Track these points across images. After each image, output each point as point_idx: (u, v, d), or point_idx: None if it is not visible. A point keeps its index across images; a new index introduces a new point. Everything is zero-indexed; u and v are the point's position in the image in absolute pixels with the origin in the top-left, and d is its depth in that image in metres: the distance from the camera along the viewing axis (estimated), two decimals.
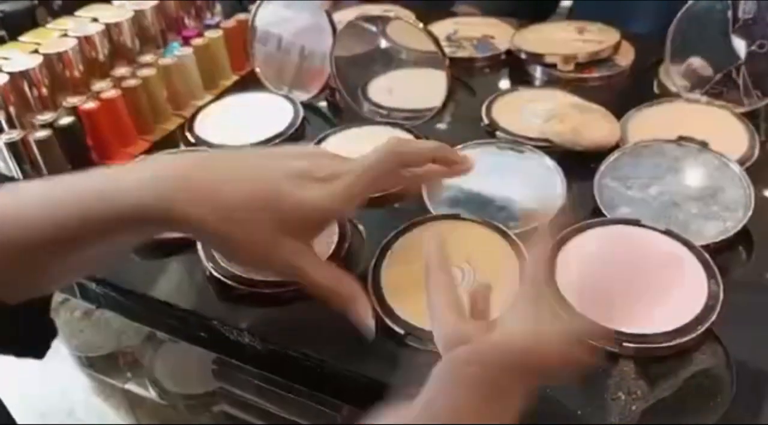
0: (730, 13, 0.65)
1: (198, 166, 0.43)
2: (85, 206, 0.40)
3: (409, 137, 0.67)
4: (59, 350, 0.78)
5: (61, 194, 0.41)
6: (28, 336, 0.46)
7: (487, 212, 0.56)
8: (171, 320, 0.53)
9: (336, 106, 0.76)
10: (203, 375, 0.66)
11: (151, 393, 0.71)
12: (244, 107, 0.76)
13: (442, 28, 0.87)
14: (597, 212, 0.56)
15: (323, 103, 0.77)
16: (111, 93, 0.69)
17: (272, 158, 0.45)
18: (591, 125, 0.63)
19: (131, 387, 0.72)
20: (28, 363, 0.80)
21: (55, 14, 0.88)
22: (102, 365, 0.75)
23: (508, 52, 0.80)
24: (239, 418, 0.65)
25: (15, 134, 0.65)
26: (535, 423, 0.42)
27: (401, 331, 0.47)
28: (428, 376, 0.36)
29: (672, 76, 0.69)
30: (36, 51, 0.72)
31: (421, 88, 0.70)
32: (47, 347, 0.48)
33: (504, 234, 0.53)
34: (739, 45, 0.66)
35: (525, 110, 0.70)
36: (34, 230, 0.40)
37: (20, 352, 0.47)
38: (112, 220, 0.40)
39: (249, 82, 0.80)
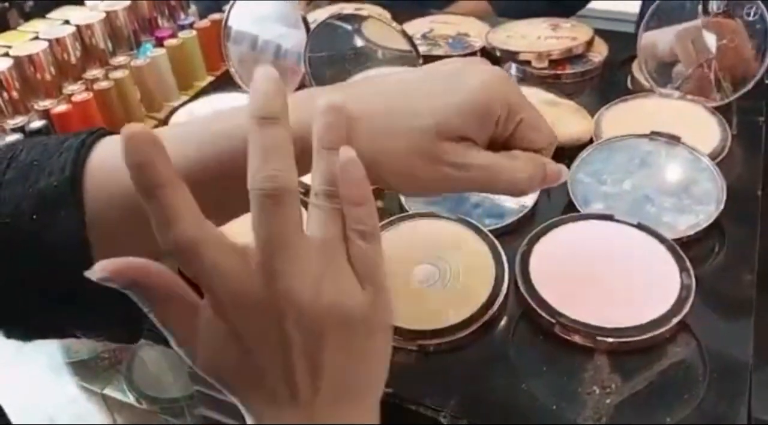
0: (700, 9, 0.66)
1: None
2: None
3: None
4: (36, 356, 0.77)
5: (220, 125, 0.37)
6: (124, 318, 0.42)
7: (462, 209, 0.56)
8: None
9: None
10: (181, 378, 0.66)
11: (130, 398, 0.70)
12: (220, 107, 0.75)
13: (418, 26, 0.87)
14: (571, 208, 0.56)
15: None
16: (83, 95, 0.69)
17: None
18: (565, 121, 0.63)
19: (110, 392, 0.72)
20: (6, 370, 0.79)
21: (27, 16, 0.88)
22: (80, 370, 0.74)
23: (483, 50, 0.80)
24: (218, 421, 0.64)
25: None
26: (509, 418, 0.42)
27: None
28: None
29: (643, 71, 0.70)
30: (6, 54, 0.71)
31: None
32: (140, 330, 0.46)
33: (479, 231, 0.53)
34: (710, 40, 0.66)
35: None
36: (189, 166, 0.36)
37: (114, 336, 0.44)
38: None
39: (224, 83, 0.80)
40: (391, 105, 0.37)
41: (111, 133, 0.42)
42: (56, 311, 0.40)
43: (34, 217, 0.38)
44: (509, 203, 0.57)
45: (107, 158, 0.40)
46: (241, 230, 0.36)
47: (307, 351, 0.29)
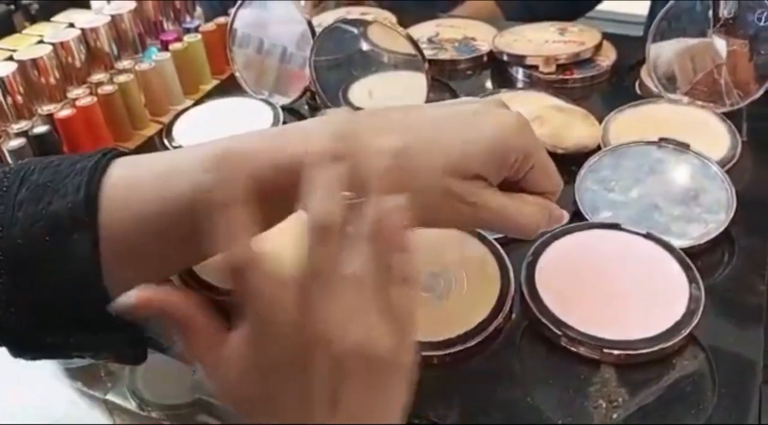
0: (711, 13, 0.65)
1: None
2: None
3: None
4: (38, 361, 0.77)
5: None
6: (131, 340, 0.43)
7: None
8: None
9: (316, 109, 0.75)
10: (183, 385, 0.65)
11: (132, 404, 0.70)
12: (224, 111, 0.75)
13: (423, 30, 0.87)
14: (578, 216, 0.56)
15: (305, 107, 0.76)
16: (87, 100, 0.68)
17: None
18: (572, 126, 0.62)
19: (112, 397, 0.71)
20: (7, 374, 0.79)
21: (33, 19, 0.87)
22: (82, 375, 0.74)
23: (490, 54, 0.80)
24: None
25: None
26: None
27: None
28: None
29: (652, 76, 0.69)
30: (11, 58, 0.71)
31: (401, 91, 0.69)
32: (145, 351, 0.46)
33: (483, 239, 0.52)
34: (720, 45, 0.65)
35: None
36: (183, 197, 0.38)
37: (120, 356, 0.45)
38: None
39: (229, 87, 0.79)
40: (410, 141, 0.39)
41: (122, 153, 0.42)
42: (64, 333, 0.39)
43: (47, 239, 0.37)
44: None
45: (121, 179, 0.40)
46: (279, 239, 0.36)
47: (327, 386, 0.30)
